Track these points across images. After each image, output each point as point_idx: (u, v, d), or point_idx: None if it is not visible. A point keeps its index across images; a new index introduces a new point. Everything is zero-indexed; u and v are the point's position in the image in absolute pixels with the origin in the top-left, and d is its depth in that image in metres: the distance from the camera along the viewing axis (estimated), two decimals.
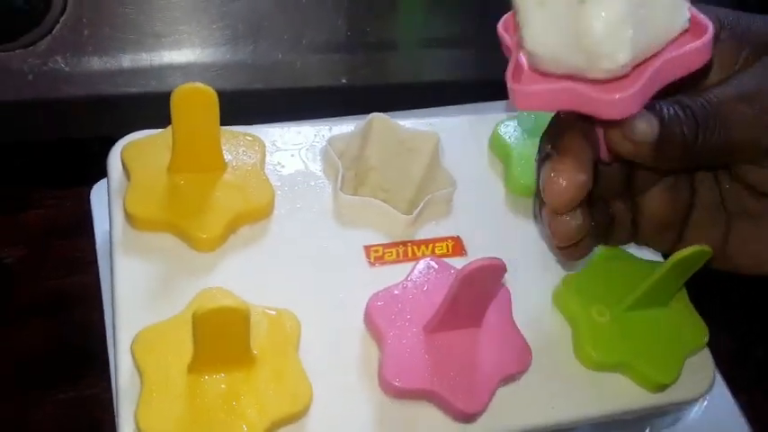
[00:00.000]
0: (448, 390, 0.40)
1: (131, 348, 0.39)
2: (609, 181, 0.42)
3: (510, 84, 0.35)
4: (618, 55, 0.32)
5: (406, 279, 0.44)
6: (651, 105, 0.36)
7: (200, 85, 0.41)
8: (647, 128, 0.36)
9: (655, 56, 0.34)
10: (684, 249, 0.41)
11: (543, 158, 0.39)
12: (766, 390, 0.65)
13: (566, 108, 0.35)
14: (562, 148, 0.38)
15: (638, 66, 0.34)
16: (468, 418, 0.41)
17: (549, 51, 0.34)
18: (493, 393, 0.41)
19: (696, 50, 0.35)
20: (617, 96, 0.33)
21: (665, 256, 0.43)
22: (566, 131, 0.39)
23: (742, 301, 0.70)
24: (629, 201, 0.44)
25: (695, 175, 0.43)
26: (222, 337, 0.37)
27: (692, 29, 0.35)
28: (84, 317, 0.57)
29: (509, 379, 0.43)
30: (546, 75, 0.35)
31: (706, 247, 0.41)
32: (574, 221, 0.40)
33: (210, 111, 0.43)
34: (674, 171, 0.42)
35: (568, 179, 0.38)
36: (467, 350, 0.42)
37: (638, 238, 0.45)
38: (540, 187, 0.39)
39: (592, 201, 0.41)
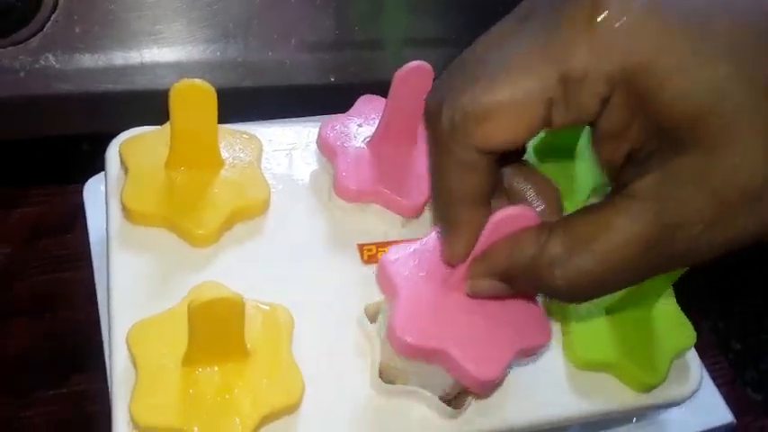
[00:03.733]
0: (460, 352, 0.39)
1: (126, 341, 0.40)
2: None
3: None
4: None
5: (425, 237, 0.42)
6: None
7: (198, 81, 0.42)
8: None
9: None
10: None
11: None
12: (745, 382, 0.66)
13: None
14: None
15: None
16: (479, 386, 0.39)
17: None
18: (507, 365, 0.39)
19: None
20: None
21: None
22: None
23: (720, 295, 0.71)
24: None
25: None
26: (217, 329, 0.37)
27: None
28: (73, 313, 0.58)
29: (525, 353, 0.41)
30: None
31: None
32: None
33: (209, 107, 0.43)
34: None
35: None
36: (485, 316, 0.40)
37: None
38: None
39: None
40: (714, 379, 0.56)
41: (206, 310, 0.36)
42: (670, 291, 0.48)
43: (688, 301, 0.48)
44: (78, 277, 0.57)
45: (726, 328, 0.70)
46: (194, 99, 0.42)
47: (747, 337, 0.70)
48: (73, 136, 0.63)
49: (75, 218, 0.57)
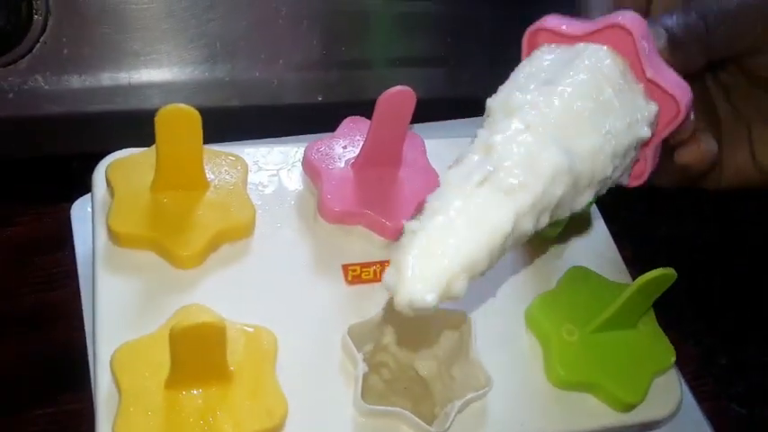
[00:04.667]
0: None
1: (110, 364, 0.40)
2: None
3: None
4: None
5: None
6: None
7: (184, 106, 0.42)
8: None
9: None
10: (650, 272, 0.42)
11: None
12: (730, 396, 0.66)
13: None
14: None
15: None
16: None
17: None
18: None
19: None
20: None
21: (636, 275, 0.44)
22: None
23: (705, 310, 0.72)
24: None
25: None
26: (199, 354, 0.38)
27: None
28: (64, 332, 0.57)
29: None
30: None
31: (670, 270, 0.43)
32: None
33: (194, 131, 0.43)
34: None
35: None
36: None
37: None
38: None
39: None
40: (698, 395, 0.56)
41: (187, 335, 0.36)
42: (650, 310, 0.48)
43: (672, 318, 0.49)
44: (69, 295, 0.57)
45: (712, 343, 0.70)
46: (179, 123, 0.43)
47: (734, 351, 0.71)
48: (62, 156, 0.63)
49: (66, 237, 0.57)
